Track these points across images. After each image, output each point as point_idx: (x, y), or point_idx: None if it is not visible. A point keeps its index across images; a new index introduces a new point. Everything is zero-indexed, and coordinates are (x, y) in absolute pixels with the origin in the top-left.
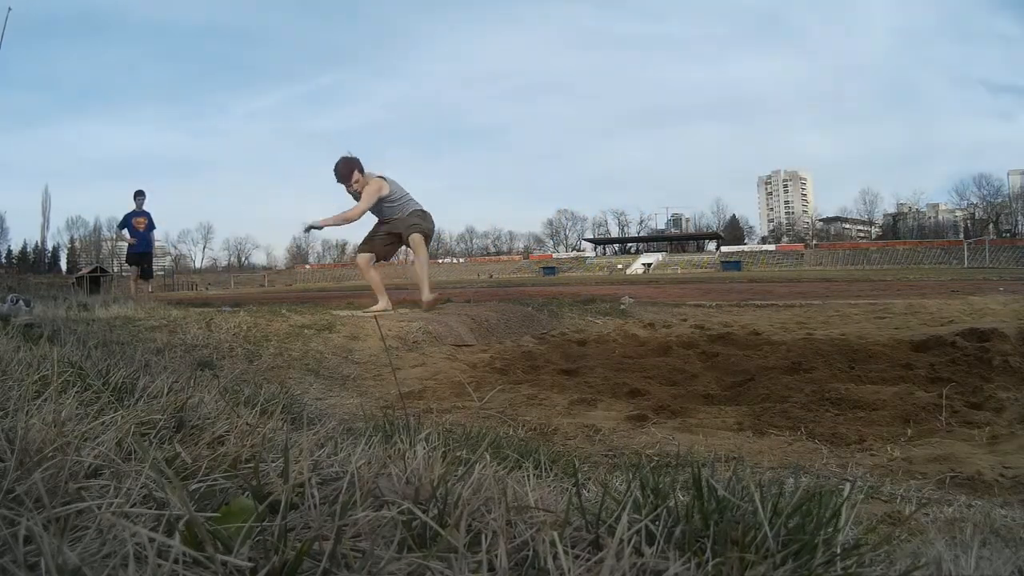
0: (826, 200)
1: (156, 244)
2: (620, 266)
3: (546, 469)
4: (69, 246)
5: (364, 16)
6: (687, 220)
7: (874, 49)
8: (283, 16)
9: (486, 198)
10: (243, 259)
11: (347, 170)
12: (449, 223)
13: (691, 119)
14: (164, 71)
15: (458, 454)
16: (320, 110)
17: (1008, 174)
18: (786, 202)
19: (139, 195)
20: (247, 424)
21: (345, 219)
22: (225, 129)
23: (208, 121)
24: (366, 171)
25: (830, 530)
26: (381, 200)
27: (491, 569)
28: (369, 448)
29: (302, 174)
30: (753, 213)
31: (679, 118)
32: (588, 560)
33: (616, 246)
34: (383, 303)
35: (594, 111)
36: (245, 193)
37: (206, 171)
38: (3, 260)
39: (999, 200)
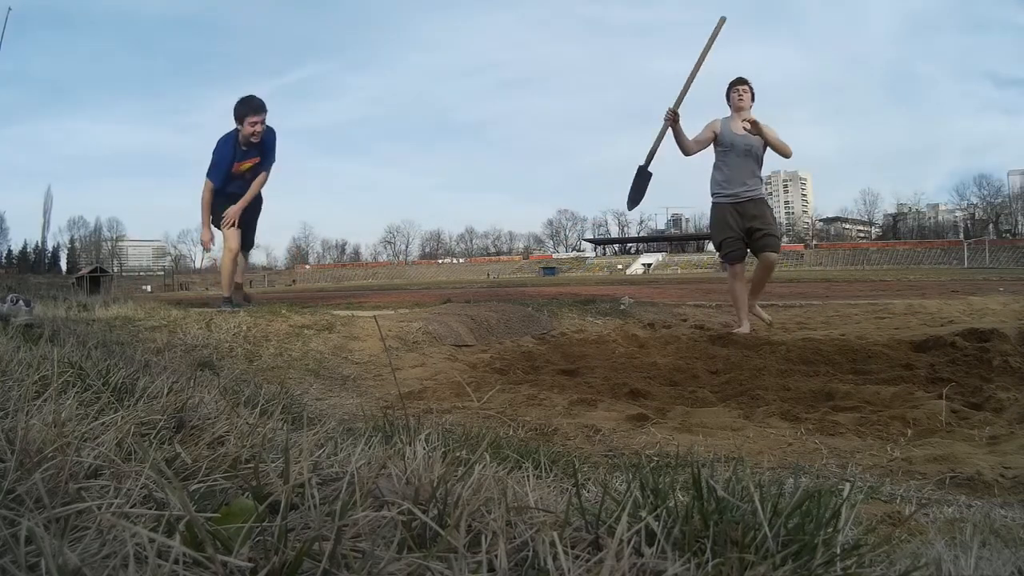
0: (826, 200)
1: (156, 244)
2: (620, 266)
3: (546, 469)
4: (69, 246)
5: (347, 4)
6: (687, 220)
7: (877, 41)
8: (258, 8)
9: (486, 198)
10: None
11: None
12: (449, 223)
13: (690, 118)
14: (146, 65)
15: (458, 454)
16: (305, 104)
17: (1008, 174)
18: (786, 202)
19: (249, 108)
20: (247, 424)
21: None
22: (211, 125)
23: (193, 116)
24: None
25: (830, 530)
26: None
27: (491, 569)
28: (369, 448)
29: (290, 171)
30: None
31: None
32: (588, 560)
33: (616, 246)
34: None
35: (594, 110)
36: None
37: (201, 169)
38: (3, 260)
39: (999, 200)
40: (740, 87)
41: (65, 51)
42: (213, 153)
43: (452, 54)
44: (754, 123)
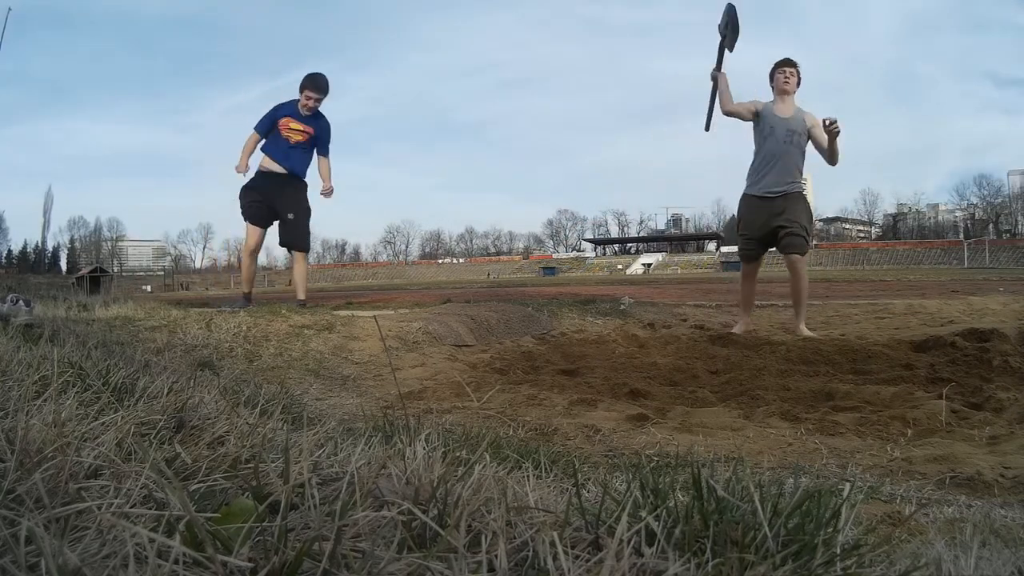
0: (826, 200)
1: (156, 244)
2: (620, 266)
3: (546, 469)
4: (69, 246)
5: (347, 4)
6: (687, 220)
7: (877, 41)
8: (258, 8)
9: (486, 198)
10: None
11: None
12: (449, 223)
13: (690, 116)
14: (146, 65)
15: (458, 454)
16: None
17: (1008, 174)
18: None
19: (311, 82)
20: (247, 424)
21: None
22: (211, 125)
23: (193, 116)
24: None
25: (830, 530)
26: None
27: (491, 569)
28: (369, 448)
29: None
30: None
31: (676, 115)
32: (588, 560)
33: (616, 246)
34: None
35: (594, 110)
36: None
37: (201, 169)
38: (3, 260)
39: (999, 200)
40: (787, 68)
41: (65, 51)
42: (275, 107)
43: (452, 54)
44: (836, 132)
